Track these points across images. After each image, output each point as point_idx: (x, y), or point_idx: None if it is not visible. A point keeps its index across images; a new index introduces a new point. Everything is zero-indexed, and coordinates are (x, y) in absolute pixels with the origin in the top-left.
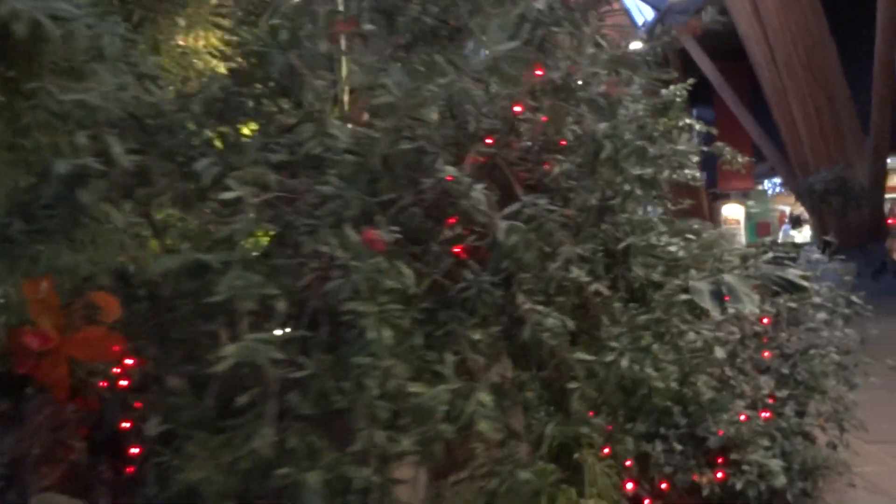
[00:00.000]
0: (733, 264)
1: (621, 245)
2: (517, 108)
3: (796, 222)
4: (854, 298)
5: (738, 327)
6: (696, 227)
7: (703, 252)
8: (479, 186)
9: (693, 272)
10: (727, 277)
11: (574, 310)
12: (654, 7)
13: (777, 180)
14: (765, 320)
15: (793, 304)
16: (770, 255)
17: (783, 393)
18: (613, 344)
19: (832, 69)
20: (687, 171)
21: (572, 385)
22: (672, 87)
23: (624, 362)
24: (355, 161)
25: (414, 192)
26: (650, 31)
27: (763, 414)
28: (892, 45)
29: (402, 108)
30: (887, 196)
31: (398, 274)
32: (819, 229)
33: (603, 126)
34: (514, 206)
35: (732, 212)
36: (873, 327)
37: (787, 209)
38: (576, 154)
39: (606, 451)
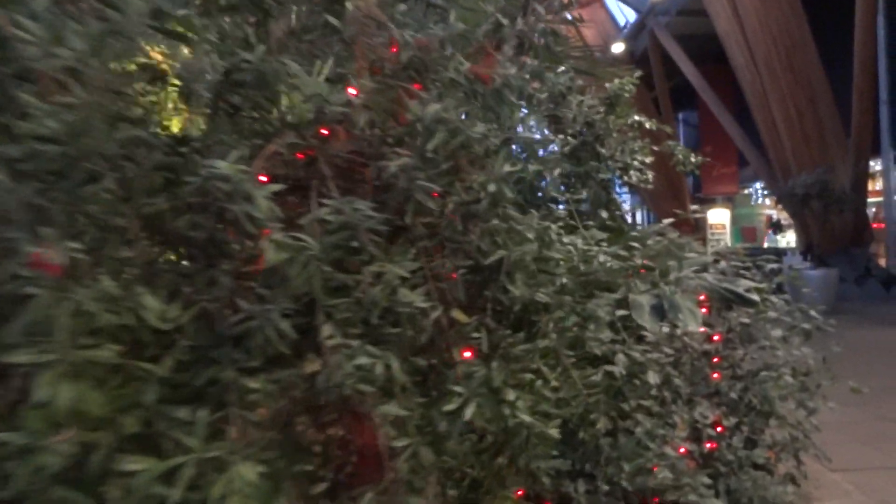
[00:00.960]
0: (680, 275)
1: (490, 259)
2: (351, 91)
3: (777, 227)
4: (813, 313)
5: (680, 346)
6: (658, 233)
7: (653, 261)
8: (267, 188)
9: (637, 283)
10: (669, 290)
11: (415, 344)
12: (634, 9)
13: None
14: (715, 337)
15: (746, 320)
16: (723, 265)
17: (733, 421)
18: (458, 389)
19: (813, 70)
20: (633, 173)
21: (399, 443)
22: (617, 81)
23: (469, 410)
24: (61, 152)
25: (169, 196)
26: (631, 32)
27: (707, 445)
28: (872, 45)
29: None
30: (871, 200)
31: (137, 303)
32: (802, 234)
33: (434, 108)
34: (320, 212)
35: (718, 217)
36: (840, 341)
37: (774, 214)
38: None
39: (520, 492)
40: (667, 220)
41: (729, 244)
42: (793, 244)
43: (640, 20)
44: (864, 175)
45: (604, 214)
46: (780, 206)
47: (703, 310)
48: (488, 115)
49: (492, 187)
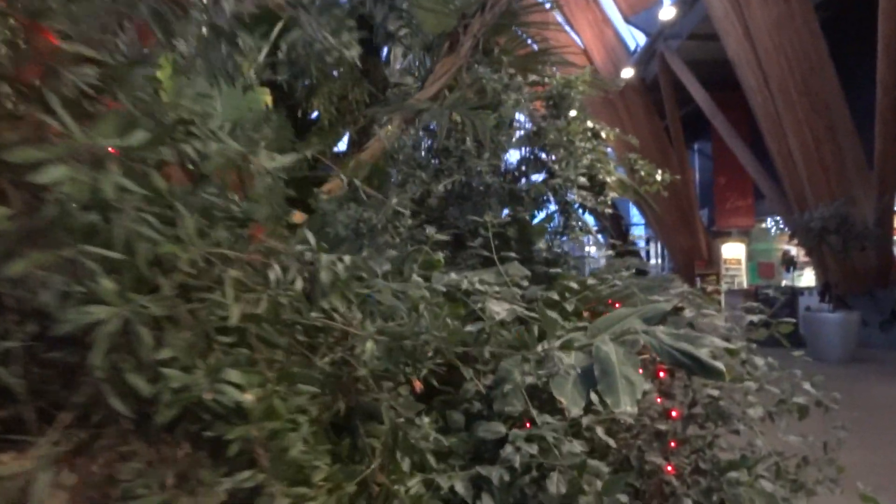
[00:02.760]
0: (623, 328)
1: None
2: None
3: (791, 264)
4: (809, 387)
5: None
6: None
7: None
8: None
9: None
10: (604, 349)
11: None
12: (644, 31)
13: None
14: (673, 413)
15: (715, 392)
16: (691, 313)
17: None
18: None
19: (832, 94)
20: (579, 192)
21: None
22: (560, 76)
23: None
24: None
25: None
26: (641, 57)
27: None
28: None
29: None
30: None
31: None
32: (819, 272)
33: None
34: None
35: (733, 251)
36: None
37: (792, 249)
38: None
39: None
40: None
41: (745, 281)
42: (813, 283)
43: (650, 44)
44: (890, 209)
45: (541, 245)
46: (794, 241)
47: (661, 373)
48: None
49: None
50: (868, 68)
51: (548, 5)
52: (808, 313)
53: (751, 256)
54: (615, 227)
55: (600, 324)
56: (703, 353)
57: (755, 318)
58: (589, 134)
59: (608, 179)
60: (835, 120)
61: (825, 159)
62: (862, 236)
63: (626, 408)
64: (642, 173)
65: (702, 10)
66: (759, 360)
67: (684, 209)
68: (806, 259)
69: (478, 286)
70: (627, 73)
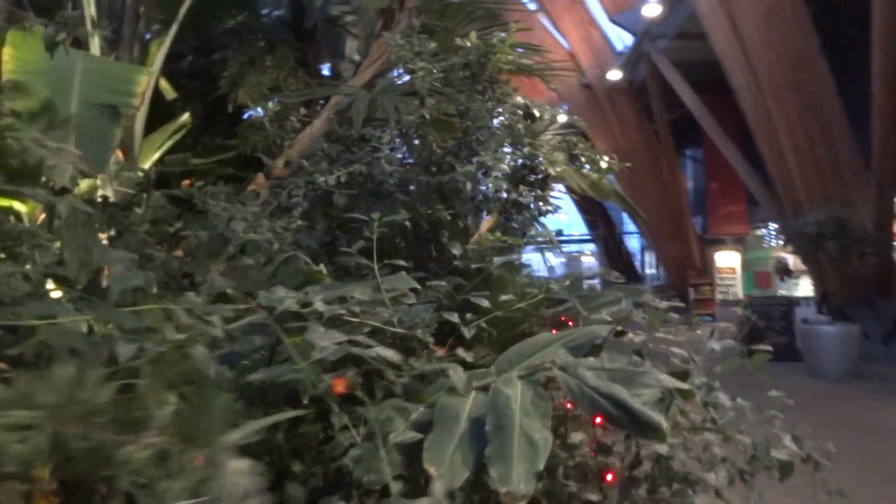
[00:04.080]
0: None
1: None
2: None
3: (786, 272)
4: (788, 442)
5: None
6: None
7: None
8: None
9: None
10: (506, 392)
11: None
12: (630, 31)
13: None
14: (608, 477)
15: (663, 448)
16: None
17: None
18: None
19: (824, 91)
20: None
21: None
22: (474, 35)
23: None
24: None
25: None
26: (629, 59)
27: None
28: (892, 59)
29: None
30: None
31: None
32: (816, 281)
33: None
34: None
35: (727, 260)
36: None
37: (789, 257)
38: None
39: None
40: None
41: (740, 292)
42: (811, 292)
43: (637, 44)
44: (889, 212)
45: (455, 251)
46: (788, 248)
47: (598, 418)
48: None
49: None
50: (862, 63)
51: (533, 6)
52: (805, 325)
53: (746, 265)
54: (610, 236)
55: (512, 355)
56: (637, 402)
57: (716, 345)
58: (520, 113)
59: (551, 171)
60: (828, 118)
61: (819, 160)
62: (861, 242)
63: (518, 487)
64: (582, 159)
65: (688, 7)
66: (726, 398)
67: (676, 217)
68: (803, 267)
69: (318, 306)
70: (615, 75)
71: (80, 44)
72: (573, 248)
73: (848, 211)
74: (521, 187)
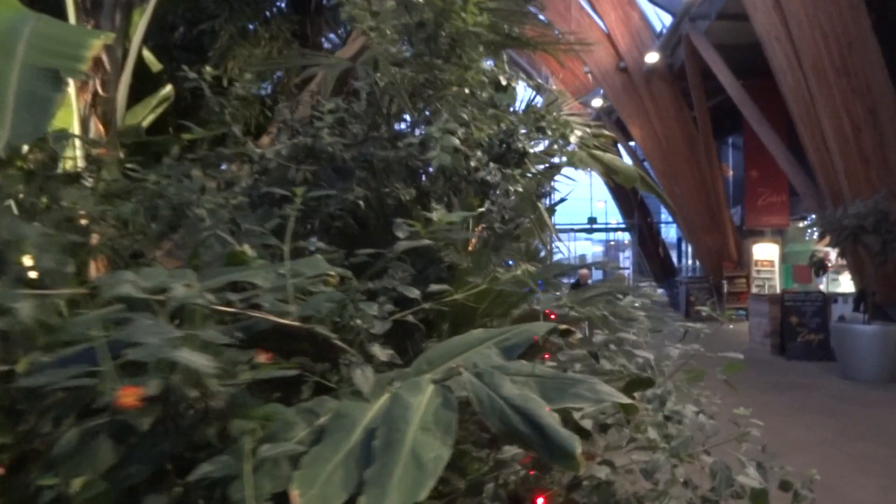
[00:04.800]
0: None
1: None
2: None
3: (820, 267)
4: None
5: None
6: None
7: None
8: None
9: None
10: (407, 400)
11: None
12: (669, 12)
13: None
14: (539, 501)
15: (602, 473)
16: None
17: None
18: None
19: (874, 74)
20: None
21: None
22: None
23: None
24: None
25: None
26: (668, 40)
27: None
28: None
29: None
30: None
31: None
32: (855, 277)
33: None
34: None
35: (765, 252)
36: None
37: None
38: None
39: None
40: None
41: (777, 286)
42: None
43: (676, 25)
44: None
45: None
46: (825, 242)
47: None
48: None
49: None
50: None
51: None
52: (840, 324)
53: (785, 258)
54: (644, 225)
55: (434, 354)
56: (554, 420)
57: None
58: (485, 79)
59: (529, 149)
60: (877, 103)
61: (865, 149)
62: None
63: None
64: (549, 132)
65: None
66: (690, 411)
67: (713, 207)
68: (842, 262)
69: (177, 293)
70: (652, 57)
71: (57, 11)
72: (615, 236)
73: (892, 202)
74: (492, 165)
